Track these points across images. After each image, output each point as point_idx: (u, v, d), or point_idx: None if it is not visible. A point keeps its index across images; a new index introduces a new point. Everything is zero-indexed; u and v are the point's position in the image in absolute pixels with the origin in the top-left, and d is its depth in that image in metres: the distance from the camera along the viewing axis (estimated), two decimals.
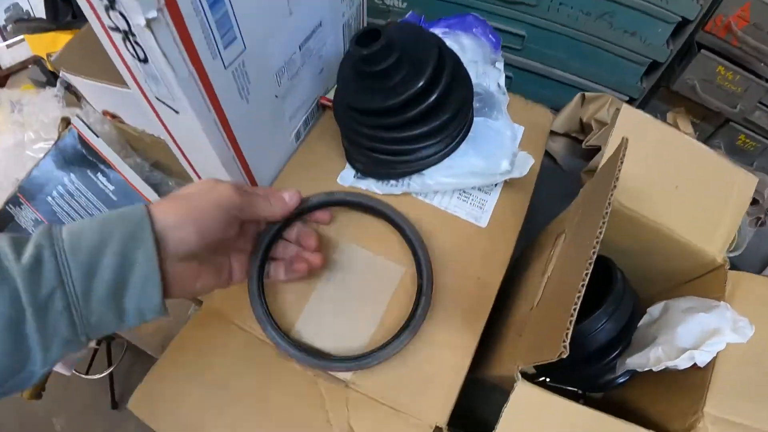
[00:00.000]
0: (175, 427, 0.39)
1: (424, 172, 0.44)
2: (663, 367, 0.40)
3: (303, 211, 0.41)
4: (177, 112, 0.36)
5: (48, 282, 0.28)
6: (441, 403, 0.39)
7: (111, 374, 0.94)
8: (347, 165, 0.46)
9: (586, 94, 0.55)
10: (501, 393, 0.53)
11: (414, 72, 0.38)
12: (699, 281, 0.48)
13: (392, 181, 0.45)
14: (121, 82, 0.50)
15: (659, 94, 0.70)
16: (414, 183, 0.44)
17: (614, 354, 0.44)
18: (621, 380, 0.47)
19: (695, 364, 0.40)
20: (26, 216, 0.58)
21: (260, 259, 0.40)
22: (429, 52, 0.39)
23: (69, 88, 0.67)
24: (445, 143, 0.43)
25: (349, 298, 0.42)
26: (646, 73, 0.67)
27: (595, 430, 0.36)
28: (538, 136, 0.50)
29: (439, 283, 0.42)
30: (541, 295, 0.39)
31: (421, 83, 0.38)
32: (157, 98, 0.35)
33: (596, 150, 0.55)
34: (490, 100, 0.48)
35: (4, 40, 0.79)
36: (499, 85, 0.50)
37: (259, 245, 0.40)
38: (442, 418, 0.39)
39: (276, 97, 0.42)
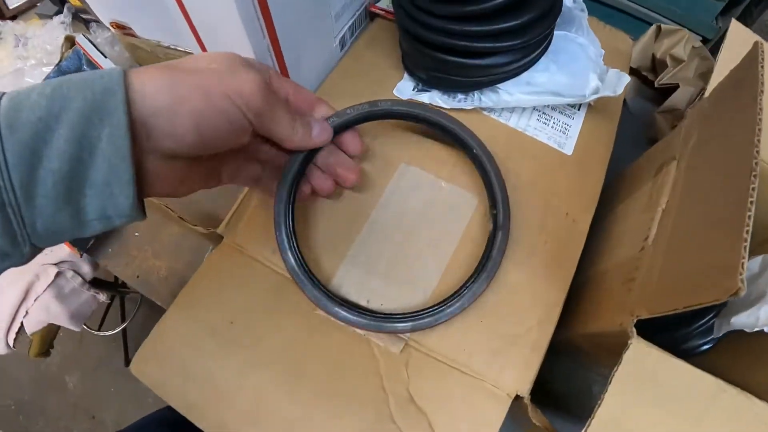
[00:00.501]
0: (188, 397, 0.26)
1: (498, 86, 0.31)
2: None
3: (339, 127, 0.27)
4: None
5: None
6: (523, 368, 0.27)
7: (124, 330, 0.81)
8: (405, 75, 0.33)
9: (663, 26, 0.42)
10: (569, 359, 0.41)
11: None
12: None
13: (460, 95, 0.32)
14: None
15: None
16: (486, 98, 0.31)
17: (712, 314, 0.33)
18: (708, 346, 0.35)
19: None
20: None
21: (287, 192, 0.26)
22: None
23: (76, 14, 0.53)
24: (526, 51, 0.30)
25: (408, 234, 0.29)
26: (722, 12, 0.54)
27: (713, 400, 0.24)
28: (620, 62, 0.37)
29: (519, 217, 0.29)
30: (657, 232, 0.27)
31: None
32: None
33: (667, 91, 0.42)
34: (568, 15, 0.35)
35: None
36: (575, 0, 0.37)
37: (286, 175, 0.26)
38: (524, 386, 0.26)
39: None
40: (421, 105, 0.29)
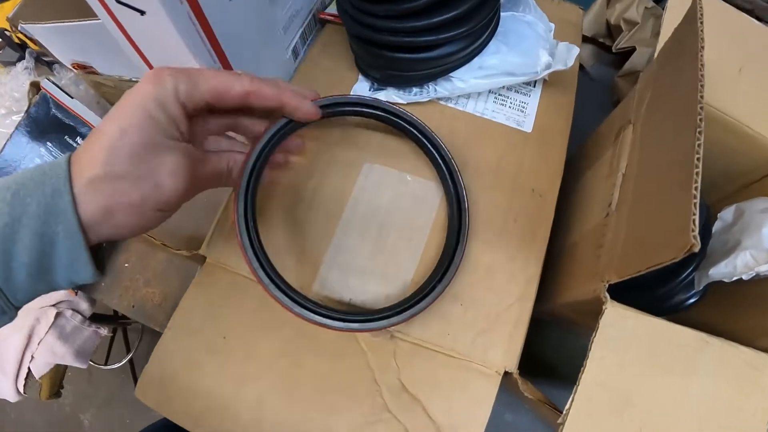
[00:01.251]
0: (193, 413, 0.27)
1: (451, 74, 0.33)
2: (753, 274, 0.30)
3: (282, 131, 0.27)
4: (143, 12, 0.24)
5: None
6: (508, 344, 0.28)
7: (131, 361, 0.82)
8: (360, 77, 0.34)
9: None
10: (557, 328, 0.42)
11: None
12: (766, 181, 0.37)
13: (415, 89, 0.33)
14: (85, 16, 0.38)
15: None
16: (441, 88, 0.33)
17: (691, 268, 0.34)
18: (692, 300, 0.36)
19: None
20: None
21: (244, 199, 0.26)
22: None
23: (39, 58, 0.54)
24: (472, 38, 0.31)
25: (380, 230, 0.30)
26: None
27: (698, 354, 0.25)
28: (571, 34, 0.38)
29: (487, 199, 0.30)
30: (619, 197, 0.28)
31: None
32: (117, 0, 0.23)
33: (626, 55, 0.43)
34: None
35: None
36: None
37: (242, 181, 0.26)
38: (511, 362, 0.28)
39: None
40: (359, 96, 0.29)
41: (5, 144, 0.45)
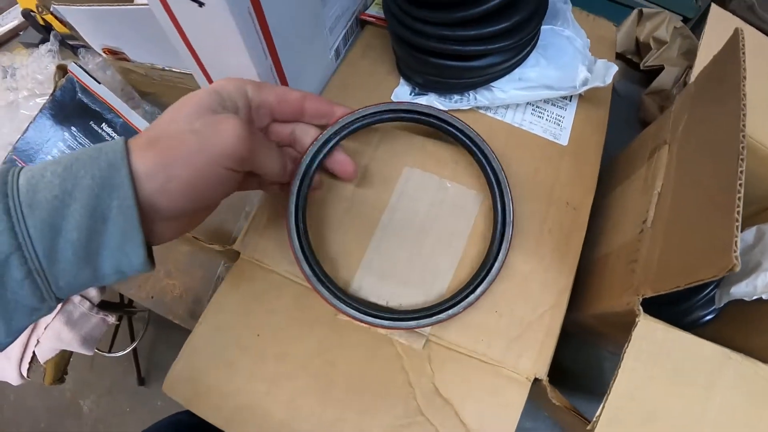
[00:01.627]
0: (225, 411, 0.27)
1: (492, 84, 0.33)
2: None
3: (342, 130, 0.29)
4: (202, 4, 0.24)
5: (1, 246, 0.19)
6: (539, 352, 0.29)
7: (135, 350, 0.82)
8: (402, 81, 0.34)
9: (644, 10, 0.44)
10: (574, 338, 0.43)
11: None
12: None
13: (456, 96, 0.33)
14: (121, 1, 0.38)
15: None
16: (481, 96, 0.33)
17: (713, 286, 0.35)
18: (709, 317, 0.37)
19: None
20: None
21: (294, 204, 0.28)
22: None
23: (63, 41, 0.54)
24: (517, 50, 0.32)
25: (419, 234, 0.30)
26: None
27: (720, 368, 0.26)
28: (605, 50, 0.39)
29: (524, 210, 0.31)
30: (655, 213, 0.29)
31: None
32: None
33: (653, 73, 0.44)
34: (553, 9, 0.37)
35: None
36: None
37: (292, 190, 0.28)
38: (542, 369, 0.28)
39: None
40: (424, 106, 0.30)
41: (28, 126, 0.45)
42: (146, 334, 0.80)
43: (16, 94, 0.50)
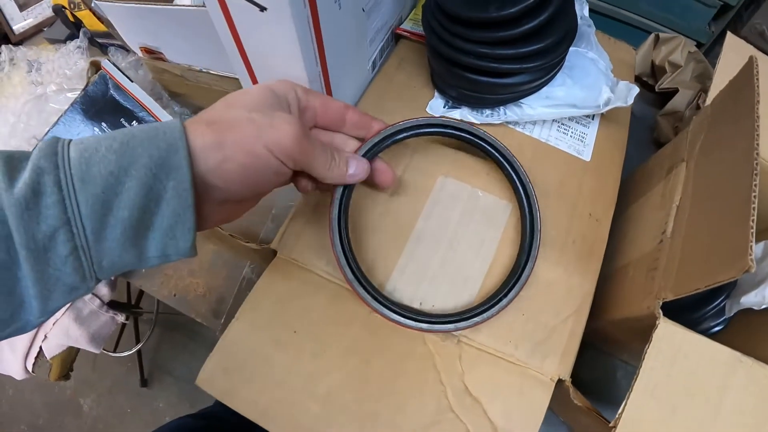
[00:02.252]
0: (260, 405, 0.29)
1: (521, 101, 0.36)
2: None
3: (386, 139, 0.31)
4: (264, 9, 0.26)
5: (49, 219, 0.19)
6: (563, 354, 0.30)
7: (139, 351, 0.82)
8: (436, 93, 0.37)
9: (660, 35, 0.47)
10: (591, 348, 0.45)
11: None
12: None
13: (487, 111, 0.36)
14: (160, 1, 0.39)
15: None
16: (511, 112, 0.35)
17: (724, 296, 0.37)
18: (720, 327, 0.40)
19: None
20: None
21: (338, 209, 0.29)
22: None
23: (92, 39, 0.55)
24: (546, 70, 0.35)
25: (451, 241, 0.32)
26: (714, 18, 0.60)
27: (733, 370, 0.28)
28: (625, 72, 0.42)
29: (549, 220, 0.33)
30: (674, 225, 0.31)
31: None
32: None
33: (667, 94, 0.47)
34: (579, 31, 0.40)
35: (17, 3, 0.66)
36: (582, 17, 0.41)
37: (335, 196, 0.29)
38: (565, 371, 0.30)
39: (363, 10, 0.32)
40: (459, 121, 0.32)
41: (59, 119, 0.46)
42: (151, 336, 0.80)
43: (43, 88, 0.52)
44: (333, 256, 0.29)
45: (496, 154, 0.32)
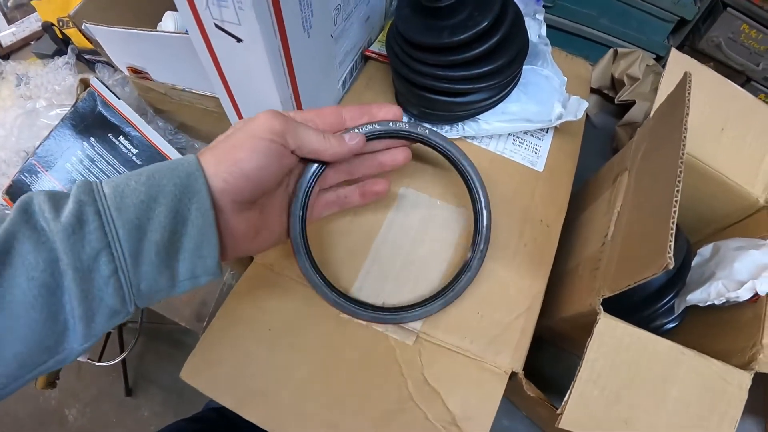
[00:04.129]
0: (238, 395, 0.33)
1: (478, 117, 0.41)
2: (724, 300, 0.38)
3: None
4: (240, 40, 0.31)
5: (92, 243, 0.22)
6: (515, 349, 0.35)
7: (124, 361, 0.86)
8: None
9: (619, 49, 0.52)
10: (552, 347, 0.50)
11: (479, 11, 0.35)
12: (742, 224, 0.46)
13: (446, 126, 0.41)
14: (143, 17, 0.44)
15: (684, 53, 0.68)
16: (468, 128, 0.40)
17: (672, 294, 0.42)
18: (672, 324, 0.44)
19: (749, 300, 0.38)
20: (43, 186, 0.51)
21: (300, 205, 0.32)
22: None
23: (80, 55, 0.60)
24: (500, 88, 0.39)
25: (412, 245, 0.37)
26: (672, 31, 0.65)
27: (676, 363, 0.33)
28: (580, 87, 0.47)
29: (503, 226, 0.38)
30: (614, 229, 0.36)
31: (486, 22, 0.34)
32: (217, 25, 0.30)
33: (627, 106, 0.52)
34: (534, 50, 0.45)
35: (5, 16, 0.71)
36: (539, 36, 0.46)
37: (298, 189, 0.32)
38: (518, 364, 0.35)
39: (331, 36, 0.37)
40: (431, 131, 0.35)
41: (49, 134, 0.51)
42: (136, 346, 0.84)
43: (33, 103, 0.57)
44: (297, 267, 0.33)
45: (457, 162, 0.36)
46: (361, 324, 0.35)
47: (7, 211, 0.24)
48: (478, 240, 0.35)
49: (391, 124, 0.34)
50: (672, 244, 0.27)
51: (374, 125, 0.34)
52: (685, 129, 0.32)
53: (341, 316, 0.35)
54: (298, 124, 0.29)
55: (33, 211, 0.22)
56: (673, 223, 0.28)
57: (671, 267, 0.26)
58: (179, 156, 0.50)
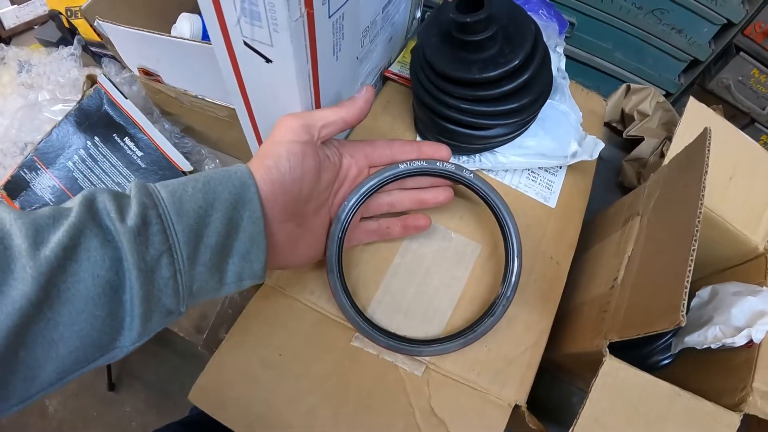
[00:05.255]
0: (247, 420, 0.33)
1: (496, 150, 0.41)
2: (720, 345, 0.40)
3: (396, 177, 0.36)
4: (269, 60, 0.30)
5: (155, 245, 0.24)
6: (519, 382, 0.36)
7: None
8: (417, 137, 0.42)
9: (632, 85, 0.53)
10: (548, 375, 0.51)
11: (510, 47, 0.35)
12: (740, 268, 0.47)
13: (464, 157, 0.41)
14: (165, 31, 0.43)
15: (693, 91, 0.71)
16: (486, 160, 0.41)
17: (671, 334, 0.44)
18: (667, 361, 0.46)
19: (743, 345, 0.40)
20: (43, 183, 0.50)
21: (341, 227, 0.35)
22: (526, 31, 0.36)
23: (86, 47, 0.59)
24: (522, 124, 0.40)
25: (425, 276, 0.38)
26: (684, 70, 0.67)
27: (671, 403, 0.34)
28: (594, 123, 0.48)
29: None
30: (625, 274, 0.37)
31: (518, 60, 0.35)
32: (247, 43, 0.30)
33: (635, 141, 0.53)
34: (553, 84, 0.45)
35: None
36: (558, 69, 0.47)
37: (340, 212, 0.35)
38: (522, 397, 0.36)
39: (357, 58, 0.37)
40: (475, 175, 0.37)
41: (52, 129, 0.50)
42: None
43: (36, 94, 0.55)
44: (320, 287, 0.34)
45: (490, 201, 0.37)
46: (370, 353, 0.35)
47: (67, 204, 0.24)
48: (505, 287, 0.36)
49: (438, 164, 0.36)
50: (686, 302, 0.28)
51: (422, 162, 0.36)
52: (704, 187, 0.33)
53: (352, 344, 0.36)
54: (311, 112, 0.32)
55: (98, 208, 0.23)
56: (687, 281, 0.29)
57: (683, 325, 0.28)
58: (185, 161, 0.50)
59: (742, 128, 0.80)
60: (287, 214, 0.30)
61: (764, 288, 0.42)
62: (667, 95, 0.59)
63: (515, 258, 0.36)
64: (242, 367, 0.35)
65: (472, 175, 0.36)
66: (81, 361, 0.22)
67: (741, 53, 0.71)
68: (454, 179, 0.37)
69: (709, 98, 0.77)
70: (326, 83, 0.34)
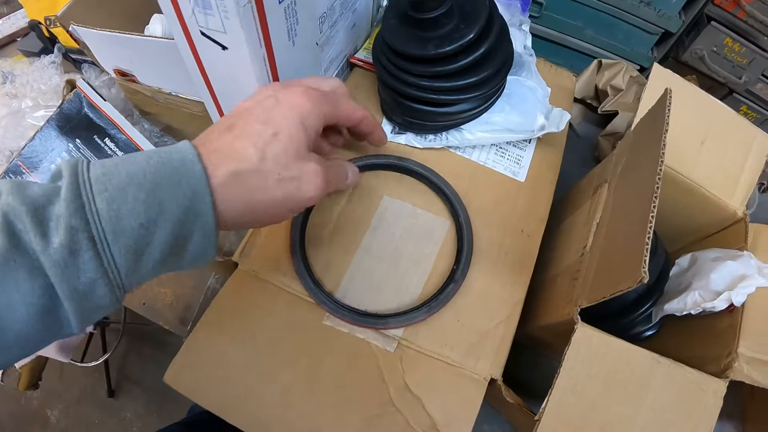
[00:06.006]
0: (222, 399, 0.34)
1: (462, 127, 0.42)
2: (700, 310, 0.40)
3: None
4: (225, 47, 0.31)
5: (87, 273, 0.21)
6: (494, 356, 0.36)
7: (106, 361, 0.86)
8: (384, 120, 0.43)
9: (603, 60, 0.54)
10: (531, 352, 0.51)
11: (465, 23, 0.36)
12: (720, 235, 0.47)
13: (430, 136, 0.42)
14: (137, 31, 0.45)
15: (667, 65, 0.71)
16: (452, 137, 0.41)
17: (650, 303, 0.43)
18: (650, 332, 0.46)
19: (725, 310, 0.39)
20: None
21: (301, 221, 0.36)
22: (480, 6, 0.36)
23: (66, 54, 0.60)
24: (484, 99, 0.41)
25: (394, 254, 0.38)
26: (656, 43, 0.67)
27: (652, 371, 0.34)
28: (564, 98, 0.48)
29: (484, 235, 0.39)
30: (593, 240, 0.38)
31: (472, 34, 0.35)
32: (203, 33, 0.31)
33: (610, 116, 0.54)
34: (519, 60, 0.46)
35: None
36: (525, 46, 0.48)
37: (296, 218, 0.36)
38: (497, 371, 0.36)
39: (316, 44, 0.38)
40: (405, 158, 0.39)
41: (35, 135, 0.51)
42: (119, 347, 0.84)
43: (19, 102, 0.57)
44: (292, 269, 0.35)
45: (436, 184, 0.39)
46: (343, 331, 0.36)
47: None
48: (461, 253, 0.36)
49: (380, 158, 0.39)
50: (647, 259, 0.28)
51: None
52: (664, 145, 0.33)
53: (324, 323, 0.36)
54: (334, 174, 0.31)
55: (17, 231, 0.21)
56: (648, 238, 0.29)
57: (646, 281, 0.27)
58: None
59: (721, 99, 0.80)
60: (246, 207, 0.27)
61: (744, 252, 0.42)
62: (642, 70, 0.59)
63: (463, 224, 0.37)
64: (216, 349, 0.35)
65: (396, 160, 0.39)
66: (27, 351, 0.23)
67: (712, 23, 0.70)
68: (387, 168, 0.39)
69: (684, 70, 0.75)
70: (285, 68, 0.35)
